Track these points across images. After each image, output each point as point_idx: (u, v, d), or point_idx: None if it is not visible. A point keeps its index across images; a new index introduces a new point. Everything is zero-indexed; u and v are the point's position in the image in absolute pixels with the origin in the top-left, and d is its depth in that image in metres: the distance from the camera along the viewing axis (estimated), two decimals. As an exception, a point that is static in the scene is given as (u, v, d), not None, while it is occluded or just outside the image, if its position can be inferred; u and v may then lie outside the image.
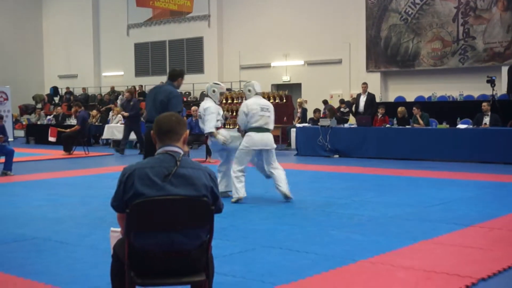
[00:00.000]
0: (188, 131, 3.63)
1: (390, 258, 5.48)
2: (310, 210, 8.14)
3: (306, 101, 20.95)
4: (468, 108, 16.43)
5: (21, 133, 24.72)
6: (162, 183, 3.28)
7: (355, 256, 5.49)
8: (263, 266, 5.25)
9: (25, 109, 29.04)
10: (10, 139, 16.09)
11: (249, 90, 8.92)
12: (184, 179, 3.32)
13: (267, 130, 8.74)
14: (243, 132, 8.80)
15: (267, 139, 8.69)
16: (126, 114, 17.42)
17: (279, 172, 8.72)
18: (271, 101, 20.92)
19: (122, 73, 28.97)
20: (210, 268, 3.42)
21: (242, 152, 8.69)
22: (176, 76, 8.16)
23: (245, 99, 9.07)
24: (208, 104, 8.96)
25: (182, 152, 3.45)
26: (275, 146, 8.87)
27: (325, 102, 20.55)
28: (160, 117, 3.55)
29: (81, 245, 6.22)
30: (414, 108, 15.79)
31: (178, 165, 3.33)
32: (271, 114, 8.81)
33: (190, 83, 24.31)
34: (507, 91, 15.14)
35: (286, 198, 8.69)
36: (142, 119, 17.44)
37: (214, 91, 9.09)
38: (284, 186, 8.66)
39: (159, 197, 3.25)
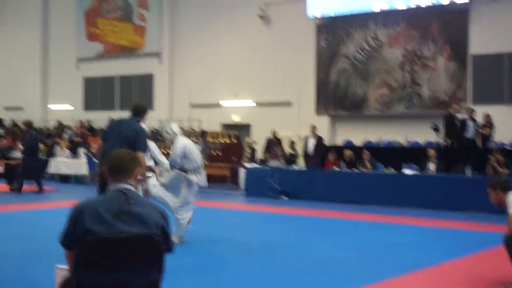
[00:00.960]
0: (140, 168, 3.61)
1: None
2: (258, 251, 8.12)
3: (255, 141, 21.05)
4: (414, 153, 16.78)
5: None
6: (113, 220, 3.23)
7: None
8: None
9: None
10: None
11: (174, 132, 8.68)
12: (136, 217, 3.28)
13: (199, 167, 8.76)
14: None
15: (202, 179, 8.77)
16: (21, 147, 16.20)
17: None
18: (220, 140, 21.04)
19: (70, 107, 28.61)
20: (159, 309, 3.36)
21: (173, 175, 8.71)
22: (140, 112, 7.91)
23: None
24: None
25: (133, 189, 3.42)
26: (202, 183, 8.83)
27: (273, 142, 20.64)
28: (112, 154, 3.52)
29: (23, 282, 6.05)
30: (364, 151, 16.05)
31: (130, 202, 3.30)
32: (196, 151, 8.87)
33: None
34: (443, 139, 15.64)
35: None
36: (86, 153, 17.08)
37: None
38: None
39: (110, 234, 3.20)
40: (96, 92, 28.14)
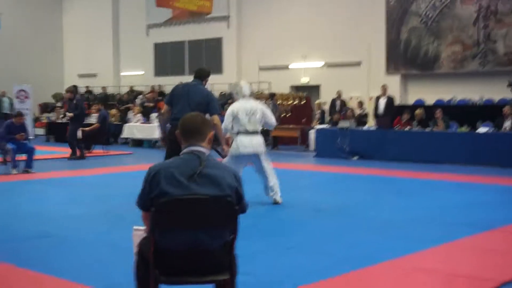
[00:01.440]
0: (213, 132, 3.65)
1: (410, 261, 5.47)
2: (330, 212, 8.13)
3: (325, 103, 20.90)
4: (489, 112, 16.33)
5: (41, 131, 24.87)
6: (187, 182, 3.30)
7: (375, 258, 5.47)
8: (284, 266, 5.27)
9: (45, 107, 29.22)
10: (31, 137, 16.19)
11: (237, 93, 8.63)
12: (209, 179, 3.34)
13: (255, 133, 8.40)
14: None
15: (256, 143, 8.37)
16: (71, 114, 15.97)
17: (271, 182, 8.52)
18: (290, 102, 21.01)
19: (141, 72, 29.07)
20: (234, 268, 3.43)
21: (232, 158, 8.31)
22: (205, 76, 7.96)
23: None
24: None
25: (207, 152, 3.47)
26: (264, 150, 8.53)
27: (340, 103, 20.43)
28: (185, 117, 3.57)
29: (101, 243, 6.26)
30: (437, 111, 15.71)
31: (203, 165, 3.35)
32: (258, 117, 8.39)
33: (209, 84, 24.38)
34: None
35: (276, 203, 8.53)
36: (158, 117, 17.12)
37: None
38: (274, 195, 8.54)
39: (184, 196, 3.27)
40: (166, 58, 28.45)
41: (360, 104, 19.54)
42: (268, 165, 8.55)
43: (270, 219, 7.67)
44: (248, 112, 8.31)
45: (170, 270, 3.30)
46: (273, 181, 8.56)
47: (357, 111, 18.83)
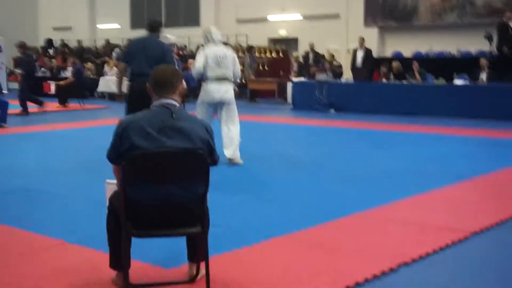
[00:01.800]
0: (184, 84, 3.63)
1: (383, 211, 5.54)
2: (305, 164, 8.17)
3: (302, 56, 20.81)
4: (466, 64, 16.34)
5: (15, 85, 24.53)
6: (157, 135, 3.29)
7: (349, 209, 5.53)
8: (259, 218, 5.31)
9: (19, 61, 28.77)
10: (4, 91, 15.97)
11: (207, 38, 8.11)
12: (180, 132, 3.33)
13: (223, 79, 7.98)
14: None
15: (224, 91, 7.98)
16: (19, 71, 15.60)
17: (231, 133, 8.04)
18: (267, 55, 20.88)
19: (117, 26, 28.67)
20: (206, 220, 3.44)
21: (199, 107, 8.08)
22: (158, 28, 7.65)
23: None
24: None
25: (177, 105, 3.45)
26: (231, 98, 8.08)
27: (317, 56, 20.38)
28: (156, 70, 3.56)
29: (76, 196, 6.25)
30: (414, 63, 15.72)
31: (174, 117, 3.34)
32: (228, 63, 7.98)
33: (186, 36, 24.16)
34: (497, 48, 15.08)
35: (230, 162, 7.96)
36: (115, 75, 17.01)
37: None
38: (230, 151, 7.99)
39: (155, 149, 3.26)
40: (143, 10, 28.06)
41: (332, 56, 19.54)
42: (234, 117, 8.13)
43: (245, 172, 7.68)
44: (218, 57, 7.94)
45: (142, 223, 3.31)
46: (235, 134, 8.07)
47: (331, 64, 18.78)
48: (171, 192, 3.28)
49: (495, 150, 9.47)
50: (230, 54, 8.14)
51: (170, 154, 3.28)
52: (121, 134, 3.33)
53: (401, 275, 3.93)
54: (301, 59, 20.25)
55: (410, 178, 7.15)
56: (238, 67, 8.31)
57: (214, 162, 3.50)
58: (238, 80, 9.00)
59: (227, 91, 8.03)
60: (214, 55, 7.94)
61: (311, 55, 19.82)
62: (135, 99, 7.06)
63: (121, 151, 3.32)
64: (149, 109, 3.43)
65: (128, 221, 3.29)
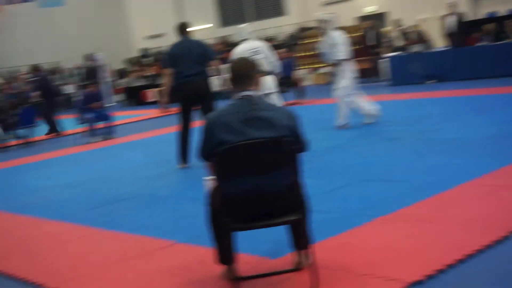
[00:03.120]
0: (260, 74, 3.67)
1: (493, 179, 5.32)
2: (406, 138, 7.99)
3: (392, 29, 20.34)
4: None
5: (118, 97, 25.34)
6: (242, 128, 3.32)
7: (456, 180, 5.35)
8: (360, 200, 5.22)
9: (119, 74, 29.75)
10: (110, 104, 16.47)
11: (240, 37, 8.65)
12: (263, 121, 3.34)
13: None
14: None
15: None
16: (37, 93, 14.94)
17: None
18: (356, 33, 20.53)
19: (209, 24, 29.05)
20: (305, 206, 3.42)
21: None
22: (188, 28, 8.15)
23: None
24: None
25: (257, 95, 3.47)
26: (272, 89, 8.40)
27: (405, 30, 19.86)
28: (234, 63, 3.60)
29: (182, 198, 6.40)
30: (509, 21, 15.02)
31: (256, 108, 3.36)
32: (261, 56, 8.23)
33: (275, 27, 24.28)
34: None
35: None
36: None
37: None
38: None
39: (241, 142, 3.28)
40: (228, 7, 28.35)
41: (420, 27, 19.02)
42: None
43: (340, 154, 7.61)
44: (249, 53, 8.11)
45: (240, 216, 3.34)
46: None
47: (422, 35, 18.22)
48: (262, 182, 3.29)
49: None
50: (262, 46, 8.49)
51: (255, 144, 3.29)
52: (209, 132, 3.40)
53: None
54: (392, 34, 19.81)
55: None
56: (273, 57, 8.54)
57: (302, 148, 3.48)
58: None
59: (266, 82, 8.24)
60: (245, 51, 8.19)
61: (400, 30, 19.34)
62: (186, 100, 7.69)
63: (211, 148, 3.37)
64: (231, 102, 3.47)
65: (226, 215, 3.33)
